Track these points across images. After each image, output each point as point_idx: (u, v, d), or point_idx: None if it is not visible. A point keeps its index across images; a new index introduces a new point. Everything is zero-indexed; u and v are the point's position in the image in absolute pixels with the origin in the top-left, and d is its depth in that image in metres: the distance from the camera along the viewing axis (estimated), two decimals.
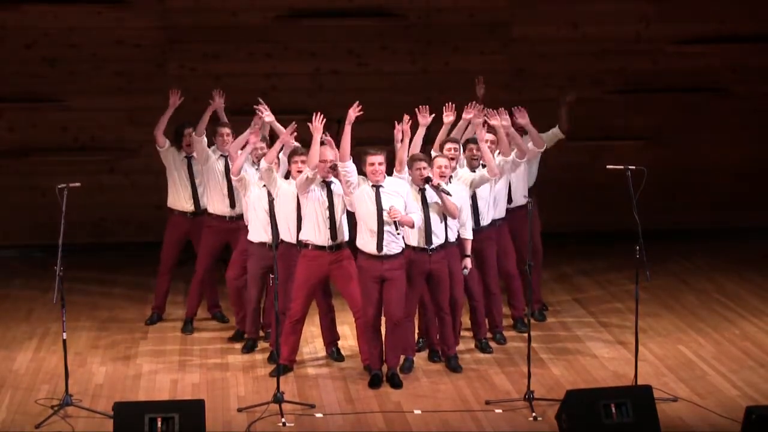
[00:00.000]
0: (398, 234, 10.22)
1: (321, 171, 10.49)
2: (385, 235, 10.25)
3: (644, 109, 15.46)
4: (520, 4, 15.15)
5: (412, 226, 10.34)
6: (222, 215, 11.72)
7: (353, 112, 10.32)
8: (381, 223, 10.25)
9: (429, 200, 10.53)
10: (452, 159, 10.94)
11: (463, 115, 11.30)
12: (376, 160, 10.24)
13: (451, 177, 10.90)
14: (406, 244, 10.49)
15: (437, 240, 10.59)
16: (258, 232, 11.06)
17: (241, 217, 11.44)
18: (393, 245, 10.29)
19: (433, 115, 11.02)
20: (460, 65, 15.18)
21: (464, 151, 11.17)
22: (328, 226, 10.47)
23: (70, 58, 14.80)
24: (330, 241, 10.48)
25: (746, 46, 15.36)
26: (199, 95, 14.86)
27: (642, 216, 10.08)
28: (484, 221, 11.28)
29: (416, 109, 10.89)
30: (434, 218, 10.55)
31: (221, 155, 11.81)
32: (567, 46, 15.24)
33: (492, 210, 11.33)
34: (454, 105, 11.10)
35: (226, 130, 11.79)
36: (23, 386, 10.43)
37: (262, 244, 11.01)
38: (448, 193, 10.46)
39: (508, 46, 15.25)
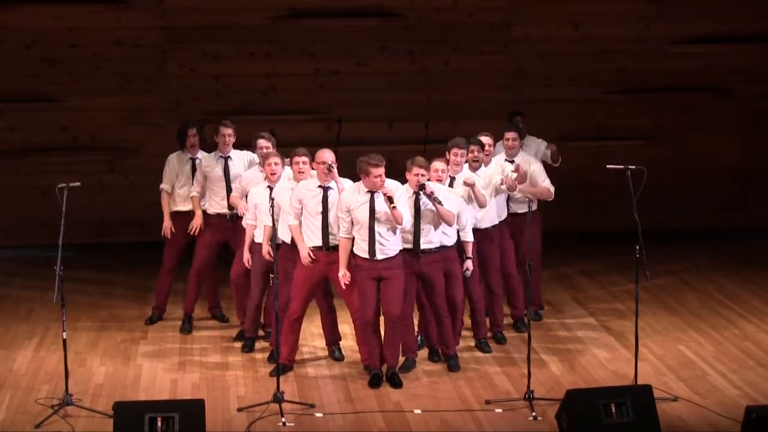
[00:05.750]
0: (392, 207, 10.16)
1: (318, 174, 10.51)
2: (377, 242, 10.26)
3: (644, 109, 15.46)
4: (520, 4, 15.14)
5: (400, 223, 10.30)
6: (222, 214, 11.73)
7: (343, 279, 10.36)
8: (373, 228, 10.25)
9: (422, 206, 10.51)
10: (457, 164, 10.94)
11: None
12: (379, 172, 10.21)
13: (453, 179, 10.91)
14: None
15: (427, 245, 10.56)
16: (261, 233, 11.06)
17: (240, 217, 11.43)
18: (386, 251, 10.29)
19: None
20: (459, 65, 15.19)
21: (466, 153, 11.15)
22: (320, 228, 10.47)
23: (70, 58, 14.80)
24: (323, 244, 10.48)
25: (746, 46, 15.37)
26: (199, 95, 14.96)
27: (642, 216, 10.09)
28: (485, 223, 11.27)
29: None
30: (426, 224, 10.53)
31: (221, 156, 11.80)
32: (567, 46, 15.24)
33: (494, 211, 11.33)
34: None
35: (228, 131, 11.77)
36: (23, 386, 10.43)
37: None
38: (440, 203, 10.41)
39: (508, 46, 15.26)
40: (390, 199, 10.15)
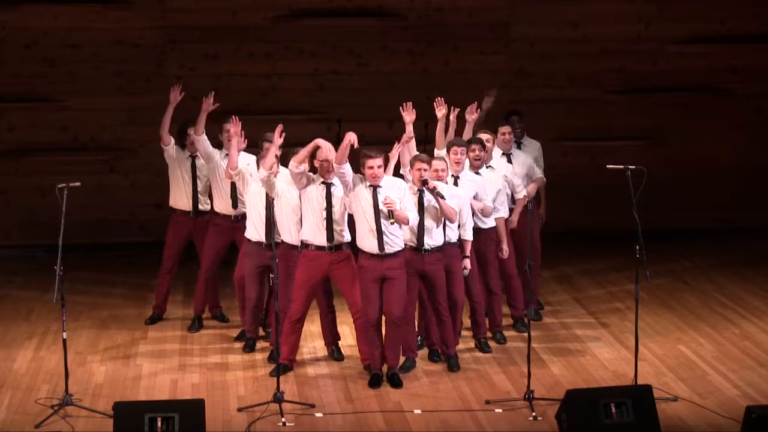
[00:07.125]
0: (391, 223, 10.18)
1: (321, 171, 10.51)
2: (385, 235, 10.26)
3: (644, 109, 15.47)
4: (520, 4, 15.15)
5: (407, 223, 10.31)
6: (227, 214, 11.73)
7: (352, 138, 10.32)
8: (379, 222, 10.25)
9: (425, 202, 10.52)
10: (458, 163, 10.95)
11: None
12: (376, 163, 10.25)
13: (458, 178, 10.92)
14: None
15: (431, 242, 10.57)
16: (255, 230, 11.06)
17: (246, 216, 11.42)
18: (393, 244, 10.29)
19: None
20: (460, 65, 15.19)
21: (467, 151, 11.16)
22: (325, 227, 10.47)
23: (70, 58, 14.81)
24: (327, 242, 10.48)
25: (746, 46, 15.38)
26: (199, 95, 14.80)
27: (642, 216, 10.09)
28: (486, 224, 11.27)
29: (434, 102, 11.21)
30: (429, 221, 10.54)
31: (227, 154, 11.78)
32: (567, 46, 15.25)
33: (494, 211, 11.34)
34: (443, 99, 11.23)
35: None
36: (23, 386, 10.43)
37: (259, 243, 11.01)
38: (442, 197, 10.43)
39: (508, 46, 15.26)
40: (390, 213, 10.16)
